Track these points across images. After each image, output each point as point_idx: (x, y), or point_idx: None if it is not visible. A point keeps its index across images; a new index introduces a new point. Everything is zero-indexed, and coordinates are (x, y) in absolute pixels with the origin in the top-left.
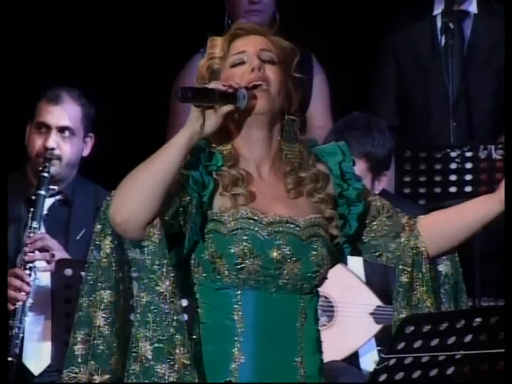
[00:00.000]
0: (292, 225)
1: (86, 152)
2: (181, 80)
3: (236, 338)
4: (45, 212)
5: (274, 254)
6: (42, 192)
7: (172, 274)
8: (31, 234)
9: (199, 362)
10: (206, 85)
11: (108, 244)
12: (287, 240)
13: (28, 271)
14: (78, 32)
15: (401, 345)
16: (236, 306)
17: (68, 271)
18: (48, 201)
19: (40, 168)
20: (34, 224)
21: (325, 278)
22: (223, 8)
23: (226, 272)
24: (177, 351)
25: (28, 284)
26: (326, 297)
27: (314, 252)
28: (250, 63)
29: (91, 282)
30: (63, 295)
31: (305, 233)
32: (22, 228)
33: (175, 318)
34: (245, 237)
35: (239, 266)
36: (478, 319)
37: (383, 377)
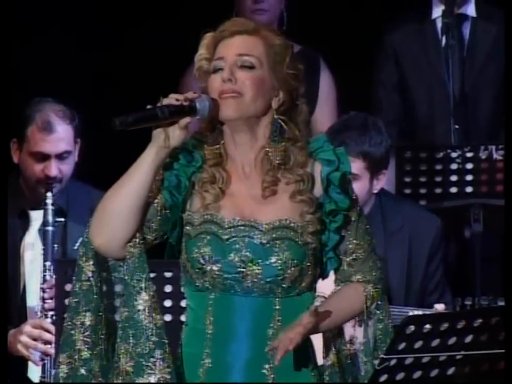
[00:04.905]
0: (254, 229)
1: (76, 158)
2: (188, 77)
3: (205, 343)
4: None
5: (234, 258)
6: (50, 228)
7: (153, 289)
8: (47, 277)
9: (180, 376)
10: (162, 100)
11: (88, 267)
12: (246, 243)
13: (49, 319)
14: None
15: (402, 346)
16: (209, 309)
17: (69, 272)
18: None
19: (44, 201)
20: (48, 264)
21: (302, 278)
22: (231, 7)
23: (194, 275)
24: (157, 366)
25: (53, 335)
26: (325, 298)
27: (276, 256)
28: (223, 73)
29: (73, 305)
30: (64, 296)
31: (266, 237)
32: (18, 239)
33: (154, 332)
34: (207, 241)
35: (201, 271)
36: (479, 320)
37: (383, 378)
